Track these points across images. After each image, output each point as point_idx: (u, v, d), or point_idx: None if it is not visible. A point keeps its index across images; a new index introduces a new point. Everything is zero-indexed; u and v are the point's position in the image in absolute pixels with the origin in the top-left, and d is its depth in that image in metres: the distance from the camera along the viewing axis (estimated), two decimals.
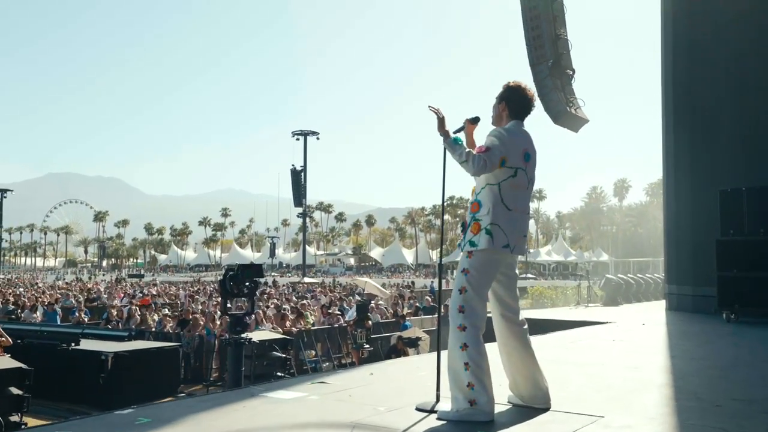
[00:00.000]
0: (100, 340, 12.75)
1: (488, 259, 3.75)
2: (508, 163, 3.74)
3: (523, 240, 3.90)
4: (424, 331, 14.12)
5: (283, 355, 8.06)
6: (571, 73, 12.54)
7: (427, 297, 23.38)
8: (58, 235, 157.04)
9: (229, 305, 8.09)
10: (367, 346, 12.83)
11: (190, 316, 14.14)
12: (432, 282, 48.71)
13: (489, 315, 3.85)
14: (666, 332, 7.64)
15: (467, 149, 3.79)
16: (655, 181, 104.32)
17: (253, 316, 11.83)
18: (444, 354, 3.81)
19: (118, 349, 11.64)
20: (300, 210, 58.64)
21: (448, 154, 3.94)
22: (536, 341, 6.63)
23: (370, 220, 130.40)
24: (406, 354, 12.60)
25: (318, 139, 61.89)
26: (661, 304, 12.33)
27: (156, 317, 15.33)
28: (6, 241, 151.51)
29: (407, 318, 16.67)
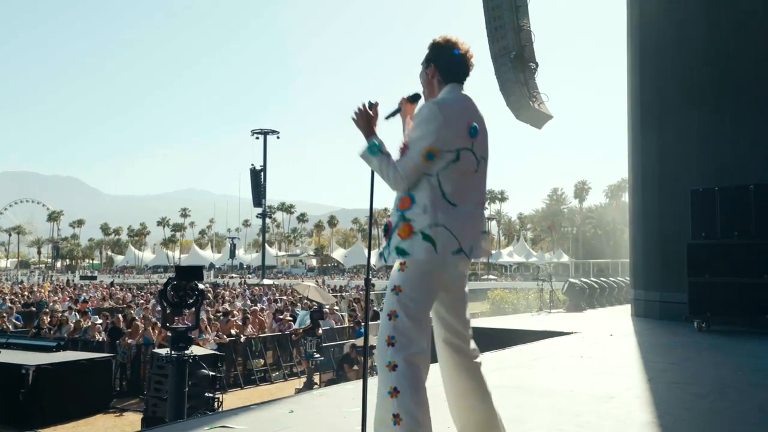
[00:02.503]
0: (25, 350, 11.74)
1: (428, 271, 2.86)
2: (445, 147, 2.89)
3: (481, 238, 3.01)
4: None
5: (212, 373, 7.18)
6: (534, 66, 11.91)
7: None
8: (10, 235, 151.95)
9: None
10: (318, 355, 12.03)
11: (121, 324, 13.12)
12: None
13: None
14: (636, 345, 7.00)
15: (384, 156, 2.95)
16: (615, 182, 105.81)
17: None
18: (372, 387, 2.93)
19: (43, 362, 10.66)
20: (259, 210, 57.42)
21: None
22: (494, 358, 5.98)
23: (332, 221, 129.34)
24: (359, 364, 11.87)
25: (278, 138, 60.87)
26: (626, 310, 11.79)
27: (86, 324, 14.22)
28: None
29: (361, 322, 15.91)
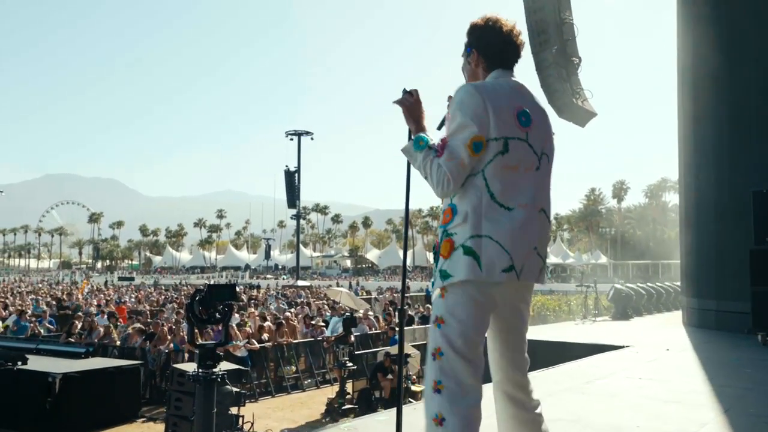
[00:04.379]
0: (54, 357, 11.55)
1: (475, 295, 2.30)
2: (491, 135, 2.32)
3: (534, 257, 2.40)
4: (413, 345, 12.93)
5: (236, 390, 6.78)
6: (577, 61, 11.29)
7: (428, 306, 22.14)
8: (53, 236, 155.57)
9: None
10: (350, 364, 11.59)
11: (159, 329, 12.87)
12: (429, 286, 47.42)
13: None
14: (698, 363, 6.37)
15: (431, 152, 2.40)
16: (655, 182, 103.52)
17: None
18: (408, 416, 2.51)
19: (70, 369, 10.42)
20: (294, 211, 57.41)
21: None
22: (543, 380, 5.33)
23: (366, 222, 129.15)
24: (394, 373, 11.41)
25: (312, 139, 60.77)
26: (676, 318, 11.10)
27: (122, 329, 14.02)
28: (0, 242, 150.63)
29: (396, 328, 15.43)
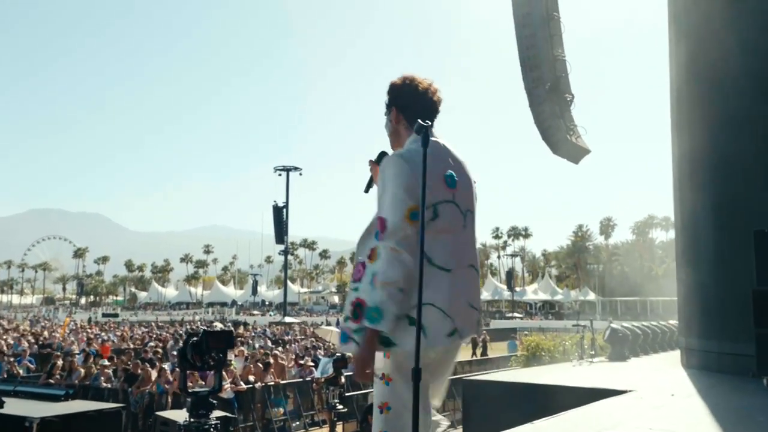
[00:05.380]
0: (33, 399, 11.10)
1: (412, 360, 2.26)
2: (424, 205, 2.33)
3: (470, 312, 2.55)
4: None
5: None
6: (570, 97, 11.25)
7: None
8: (36, 271, 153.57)
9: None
10: (341, 406, 11.22)
11: (138, 370, 12.45)
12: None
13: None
14: (708, 411, 6.11)
15: (377, 279, 2.37)
16: (641, 219, 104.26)
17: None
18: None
19: (49, 413, 9.98)
20: (282, 247, 57.04)
21: None
22: (546, 430, 5.18)
23: (354, 257, 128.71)
24: None
25: (301, 174, 60.74)
26: (673, 358, 10.86)
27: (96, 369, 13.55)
28: None
29: None
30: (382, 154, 2.76)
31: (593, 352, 11.40)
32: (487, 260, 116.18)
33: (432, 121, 2.67)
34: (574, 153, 11.34)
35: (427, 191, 2.38)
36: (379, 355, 2.47)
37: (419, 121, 2.31)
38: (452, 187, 2.53)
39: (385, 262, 2.37)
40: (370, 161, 2.77)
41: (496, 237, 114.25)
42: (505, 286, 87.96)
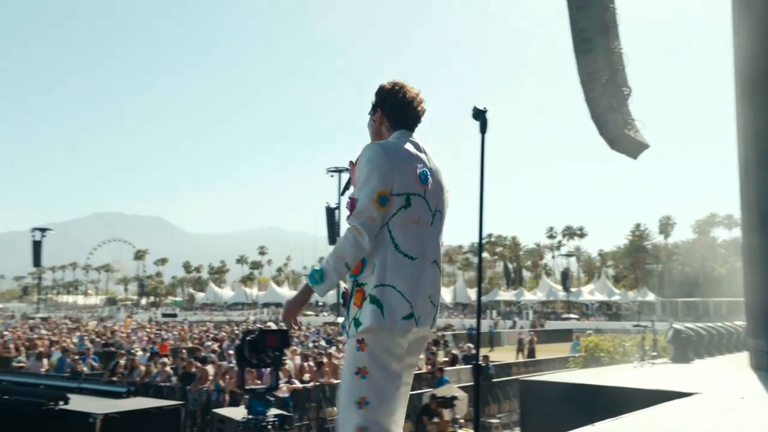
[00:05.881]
0: (96, 396, 11.43)
1: (390, 348, 2.52)
2: (394, 190, 2.58)
3: (429, 306, 2.66)
4: (460, 387, 12.45)
5: None
6: (627, 91, 10.93)
7: (468, 345, 21.58)
8: (99, 273, 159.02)
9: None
10: None
11: (193, 369, 12.67)
12: (471, 325, 46.66)
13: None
14: None
15: (330, 255, 2.56)
16: (703, 217, 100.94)
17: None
18: None
19: (111, 409, 10.26)
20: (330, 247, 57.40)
21: (483, 191, 2.65)
22: None
23: None
24: (440, 416, 10.97)
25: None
26: (740, 360, 10.43)
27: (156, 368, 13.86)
28: (50, 279, 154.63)
29: (444, 369, 14.95)
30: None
31: (655, 354, 11.04)
32: (541, 260, 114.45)
33: (413, 129, 2.82)
34: (633, 148, 11.02)
35: (402, 180, 2.57)
36: (352, 351, 2.56)
37: (475, 106, 2.35)
38: (424, 184, 2.67)
39: (345, 240, 2.52)
40: (350, 162, 2.82)
41: (551, 237, 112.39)
42: (559, 287, 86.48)
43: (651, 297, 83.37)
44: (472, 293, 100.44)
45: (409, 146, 2.73)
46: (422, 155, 2.76)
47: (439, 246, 2.74)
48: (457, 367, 16.60)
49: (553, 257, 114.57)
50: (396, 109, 2.83)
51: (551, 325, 54.32)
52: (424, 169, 2.70)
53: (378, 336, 2.52)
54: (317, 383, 13.16)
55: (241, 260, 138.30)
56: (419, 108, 2.85)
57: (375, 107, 2.89)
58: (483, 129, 2.16)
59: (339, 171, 60.46)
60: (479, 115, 2.19)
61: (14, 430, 10.16)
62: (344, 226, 2.56)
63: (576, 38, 10.56)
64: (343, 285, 2.66)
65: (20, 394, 11.00)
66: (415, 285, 2.57)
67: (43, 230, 63.58)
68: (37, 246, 62.39)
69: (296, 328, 2.62)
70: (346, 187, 2.86)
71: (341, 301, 2.67)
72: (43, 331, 28.12)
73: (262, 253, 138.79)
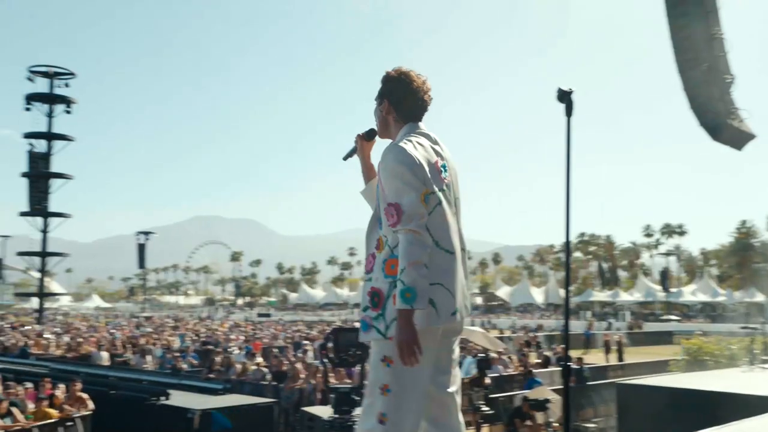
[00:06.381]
0: (194, 392, 11.87)
1: (424, 338, 2.47)
2: (430, 189, 2.59)
3: (466, 294, 2.73)
4: (553, 390, 12.10)
5: None
6: (729, 79, 10.28)
7: (562, 346, 20.97)
8: (198, 274, 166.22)
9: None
10: (486, 408, 10.99)
11: (283, 367, 12.94)
12: (563, 325, 45.43)
13: None
14: None
15: (402, 263, 2.49)
16: None
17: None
18: None
19: (208, 406, 10.63)
20: None
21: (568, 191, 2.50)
22: None
23: (496, 258, 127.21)
24: (533, 419, 10.71)
25: None
26: None
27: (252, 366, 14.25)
28: (153, 280, 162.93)
29: (535, 371, 14.61)
30: (372, 131, 2.90)
31: (766, 357, 10.33)
32: (637, 260, 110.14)
33: (420, 117, 2.80)
34: (737, 138, 10.32)
35: (431, 178, 2.59)
36: (380, 339, 2.56)
37: (560, 87, 2.22)
38: (445, 177, 2.70)
39: (408, 244, 2.47)
40: (358, 135, 2.92)
41: (648, 235, 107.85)
42: (658, 287, 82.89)
43: (760, 298, 78.44)
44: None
45: (425, 141, 2.72)
46: (436, 147, 2.75)
47: (462, 233, 2.76)
48: (550, 369, 16.19)
49: (651, 256, 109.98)
50: (403, 100, 2.80)
51: (649, 326, 52.15)
52: (443, 162, 2.72)
53: (419, 333, 2.51)
54: None
55: (331, 261, 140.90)
56: (426, 97, 2.82)
57: (381, 96, 2.85)
58: (569, 112, 2.02)
59: None
60: (564, 96, 2.04)
61: (120, 422, 10.73)
62: (402, 236, 2.50)
63: (673, 25, 10.02)
64: (369, 285, 2.63)
65: (126, 389, 11.63)
66: (456, 279, 2.60)
67: (147, 234, 67.21)
68: (141, 249, 65.95)
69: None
70: (350, 155, 2.94)
71: (367, 299, 2.61)
72: (148, 330, 29.59)
73: (351, 254, 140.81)
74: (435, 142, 2.77)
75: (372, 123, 2.94)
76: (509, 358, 17.23)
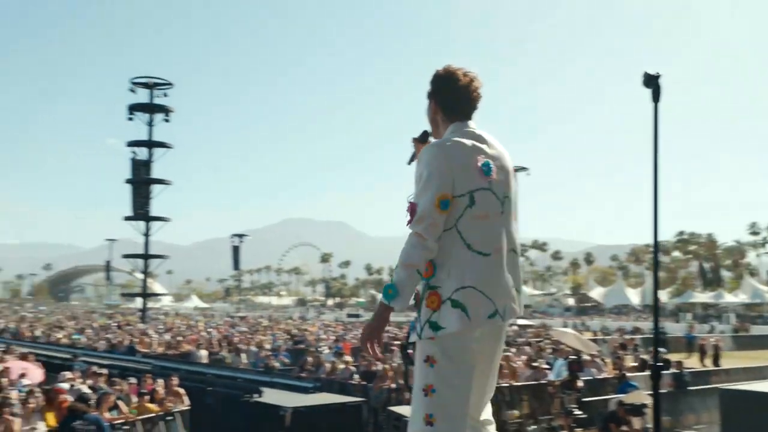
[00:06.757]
0: (286, 390, 12.17)
1: (464, 341, 2.53)
2: (456, 192, 2.55)
3: (513, 295, 2.66)
4: (649, 394, 11.62)
5: None
6: None
7: (660, 349, 20.06)
8: (290, 275, 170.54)
9: None
10: (579, 412, 10.69)
11: (373, 367, 13.03)
12: (662, 327, 43.62)
13: None
14: None
15: (397, 268, 2.57)
16: None
17: None
18: None
19: (299, 403, 10.86)
20: None
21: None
22: None
23: (588, 258, 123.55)
24: (629, 424, 10.32)
25: (528, 174, 59.52)
26: None
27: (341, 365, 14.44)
28: (248, 281, 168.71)
29: (631, 375, 14.07)
30: (425, 133, 2.90)
31: None
32: (742, 259, 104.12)
33: (468, 116, 2.76)
34: None
35: (463, 179, 2.55)
36: (423, 340, 2.58)
37: (646, 71, 2.09)
38: (488, 175, 2.63)
39: (410, 246, 2.52)
40: (413, 138, 2.93)
41: (753, 233, 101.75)
42: (766, 288, 78.04)
43: None
44: (663, 295, 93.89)
45: (466, 140, 2.67)
46: (483, 145, 2.70)
47: (514, 233, 2.71)
48: (648, 373, 15.54)
49: (758, 255, 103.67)
50: (449, 99, 2.77)
51: (758, 329, 49.14)
52: (486, 160, 2.65)
53: (457, 337, 2.54)
54: (495, 386, 12.97)
55: None
56: (473, 96, 2.77)
57: (429, 96, 2.84)
58: (656, 97, 1.91)
59: (515, 170, 59.72)
60: (651, 81, 1.92)
61: (216, 418, 11.15)
62: (409, 238, 2.56)
63: None
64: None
65: (222, 386, 12.07)
66: (494, 281, 2.57)
67: (240, 236, 69.50)
68: (236, 251, 68.28)
69: (380, 354, 2.64)
70: (412, 159, 2.92)
71: (413, 302, 2.65)
72: (242, 329, 30.60)
73: None
74: (481, 141, 2.73)
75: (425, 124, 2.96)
76: (602, 360, 16.67)
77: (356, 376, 13.63)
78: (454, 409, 2.54)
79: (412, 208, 2.58)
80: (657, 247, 1.81)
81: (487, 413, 2.83)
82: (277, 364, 16.25)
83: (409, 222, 2.57)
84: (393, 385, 12.42)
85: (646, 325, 47.56)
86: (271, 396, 11.21)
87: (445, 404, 2.52)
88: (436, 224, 2.53)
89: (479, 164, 2.62)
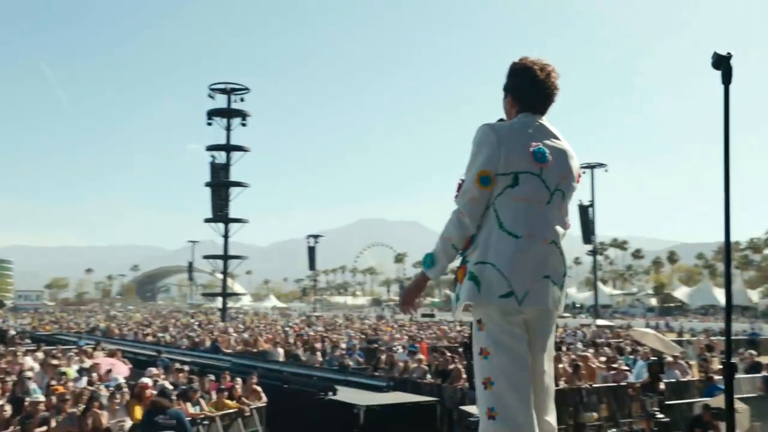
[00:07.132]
0: (360, 389, 12.25)
1: (510, 327, 2.49)
2: (499, 170, 2.55)
3: (547, 285, 2.59)
4: (739, 398, 11.06)
5: None
6: None
7: (750, 352, 19.12)
8: (365, 275, 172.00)
9: None
10: (661, 415, 10.28)
11: (449, 367, 12.96)
12: (752, 327, 41.52)
13: None
14: None
15: (439, 240, 2.65)
16: None
17: None
18: None
19: (373, 402, 10.92)
20: (590, 247, 55.14)
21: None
22: None
23: (672, 257, 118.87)
24: (716, 429, 9.86)
25: (606, 171, 57.90)
26: None
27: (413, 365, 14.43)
28: (323, 281, 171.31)
29: (718, 378, 13.45)
30: (501, 121, 2.86)
31: None
32: None
33: (540, 109, 2.72)
34: None
35: (510, 159, 2.54)
36: (475, 332, 2.59)
37: (716, 52, 1.97)
38: (541, 162, 2.59)
39: (449, 221, 2.60)
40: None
41: None
42: None
43: None
44: (754, 294, 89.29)
45: (523, 126, 2.66)
46: (544, 136, 2.68)
47: (558, 226, 2.68)
48: (738, 376, 14.81)
49: None
50: (521, 93, 2.75)
51: None
52: (540, 147, 2.60)
53: (491, 316, 2.53)
54: (573, 387, 12.65)
55: None
56: (550, 89, 2.72)
57: (505, 89, 2.83)
58: (727, 80, 1.79)
59: (591, 167, 57.96)
60: (721, 62, 1.80)
61: (292, 415, 11.36)
62: (453, 213, 2.66)
63: None
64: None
65: (297, 384, 12.29)
66: (519, 263, 2.52)
67: (316, 237, 70.58)
68: (311, 251, 69.41)
69: (414, 313, 2.77)
70: None
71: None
72: (319, 328, 31.08)
73: None
74: (544, 131, 2.70)
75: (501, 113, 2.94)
76: (687, 363, 16.00)
77: (428, 376, 13.60)
78: (514, 401, 2.48)
79: (460, 184, 2.65)
80: (729, 240, 1.71)
81: (551, 415, 2.71)
82: (351, 363, 16.40)
83: (456, 196, 2.64)
84: (467, 385, 12.33)
85: (737, 326, 45.33)
86: (345, 394, 11.32)
87: (503, 395, 2.48)
88: (476, 199, 2.56)
89: (532, 149, 2.60)
